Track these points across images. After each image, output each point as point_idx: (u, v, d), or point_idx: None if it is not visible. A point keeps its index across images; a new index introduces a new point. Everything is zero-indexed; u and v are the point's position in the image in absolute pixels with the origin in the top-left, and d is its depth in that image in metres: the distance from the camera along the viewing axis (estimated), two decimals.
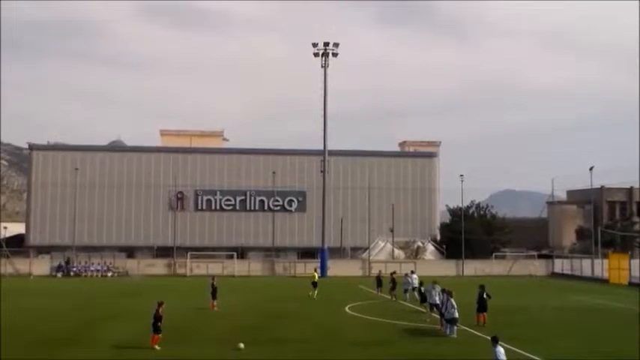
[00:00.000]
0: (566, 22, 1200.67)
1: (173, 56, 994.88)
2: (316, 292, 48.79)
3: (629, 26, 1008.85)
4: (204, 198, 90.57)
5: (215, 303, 40.84)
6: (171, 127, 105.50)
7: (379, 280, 51.89)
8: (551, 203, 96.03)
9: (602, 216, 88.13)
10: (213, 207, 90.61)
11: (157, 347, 26.20)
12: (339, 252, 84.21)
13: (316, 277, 51.42)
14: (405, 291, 46.25)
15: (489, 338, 20.64)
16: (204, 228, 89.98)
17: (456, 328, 30.31)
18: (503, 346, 19.87)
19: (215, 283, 42.05)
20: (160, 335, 26.65)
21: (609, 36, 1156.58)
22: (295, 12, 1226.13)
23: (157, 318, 26.88)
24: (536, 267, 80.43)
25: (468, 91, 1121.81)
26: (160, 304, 27.55)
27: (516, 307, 43.38)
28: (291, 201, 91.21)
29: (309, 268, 76.33)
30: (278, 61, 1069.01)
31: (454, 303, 30.38)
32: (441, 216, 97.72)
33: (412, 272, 49.86)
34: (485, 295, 34.33)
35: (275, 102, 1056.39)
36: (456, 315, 30.30)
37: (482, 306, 34.07)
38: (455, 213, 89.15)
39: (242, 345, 26.36)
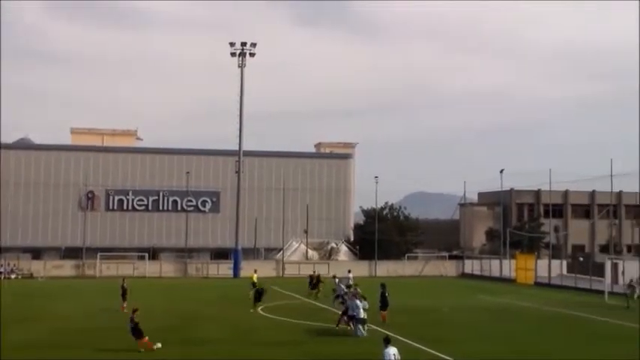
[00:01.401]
0: (479, 24, 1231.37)
1: (87, 53, 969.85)
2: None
3: (544, 29, 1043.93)
4: (116, 198, 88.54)
5: (125, 305, 40.02)
6: (83, 125, 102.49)
7: (312, 281, 51.11)
8: (463, 205, 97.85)
9: (511, 217, 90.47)
10: (124, 207, 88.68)
11: (158, 345, 26.23)
12: (252, 253, 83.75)
13: (255, 278, 50.34)
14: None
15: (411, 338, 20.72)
16: (115, 228, 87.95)
17: (363, 327, 30.58)
18: (401, 346, 20.00)
19: (125, 284, 41.43)
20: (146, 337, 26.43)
21: (523, 39, 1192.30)
22: (216, 11, 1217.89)
23: (135, 323, 26.63)
24: (447, 267, 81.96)
25: (384, 93, 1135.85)
26: (134, 311, 27.49)
27: (428, 307, 44.09)
28: (204, 201, 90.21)
29: (222, 269, 75.98)
30: (196, 60, 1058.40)
31: (359, 304, 30.71)
32: (354, 217, 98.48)
33: (334, 276, 48.47)
34: (386, 294, 35.12)
35: (192, 102, 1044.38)
36: (362, 315, 30.61)
37: (384, 304, 34.78)
38: (369, 214, 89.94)
39: (159, 344, 26.15)
